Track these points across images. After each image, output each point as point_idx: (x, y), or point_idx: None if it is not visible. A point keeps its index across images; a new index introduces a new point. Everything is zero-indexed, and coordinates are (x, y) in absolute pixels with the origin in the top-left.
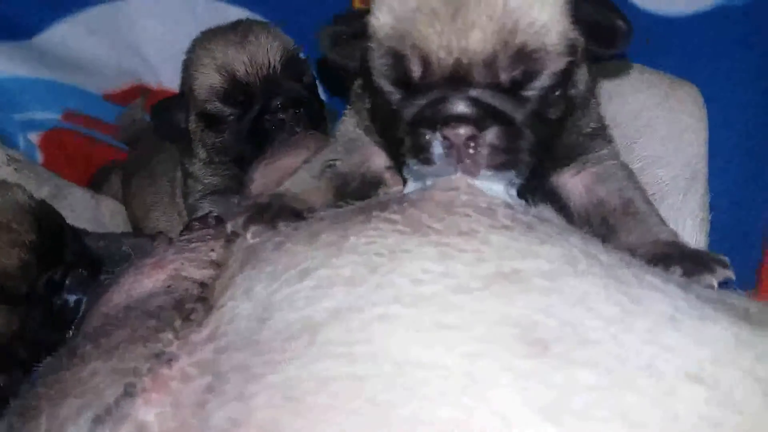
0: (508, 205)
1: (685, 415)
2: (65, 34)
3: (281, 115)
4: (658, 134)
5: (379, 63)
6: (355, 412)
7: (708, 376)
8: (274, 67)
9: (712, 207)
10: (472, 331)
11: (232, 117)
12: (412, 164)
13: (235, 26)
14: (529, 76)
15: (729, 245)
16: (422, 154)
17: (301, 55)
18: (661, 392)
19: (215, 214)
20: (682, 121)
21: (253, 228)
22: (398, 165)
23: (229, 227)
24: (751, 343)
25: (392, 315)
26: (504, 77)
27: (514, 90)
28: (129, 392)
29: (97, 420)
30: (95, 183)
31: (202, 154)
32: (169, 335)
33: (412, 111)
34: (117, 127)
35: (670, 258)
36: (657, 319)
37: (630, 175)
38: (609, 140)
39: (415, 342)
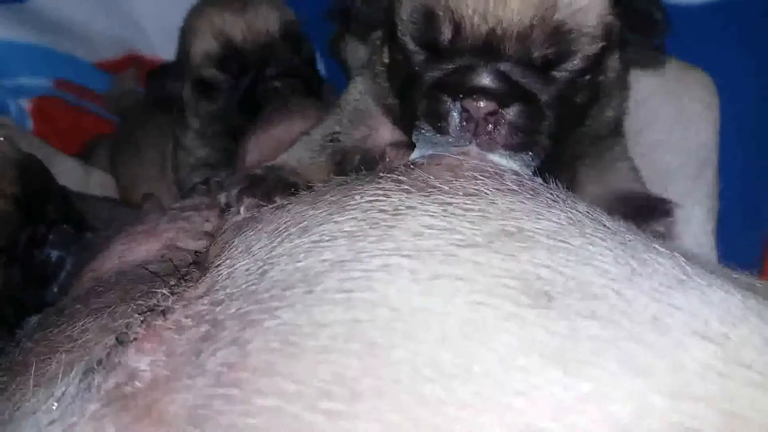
0: (516, 172)
1: (691, 365)
2: None
3: (276, 83)
4: (665, 120)
5: (406, 19)
6: (353, 354)
7: (716, 333)
8: (272, 36)
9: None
10: (475, 282)
11: (226, 84)
12: (425, 130)
13: None
14: (562, 56)
15: (731, 237)
16: (438, 121)
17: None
18: (668, 344)
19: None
20: (690, 107)
21: (246, 201)
22: (408, 128)
23: (222, 199)
24: (757, 310)
25: (392, 265)
26: (536, 54)
27: (544, 69)
28: (121, 341)
29: (89, 372)
30: (84, 155)
31: (195, 124)
32: (164, 290)
33: (435, 75)
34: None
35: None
36: (664, 280)
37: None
38: (621, 136)
39: (415, 291)
